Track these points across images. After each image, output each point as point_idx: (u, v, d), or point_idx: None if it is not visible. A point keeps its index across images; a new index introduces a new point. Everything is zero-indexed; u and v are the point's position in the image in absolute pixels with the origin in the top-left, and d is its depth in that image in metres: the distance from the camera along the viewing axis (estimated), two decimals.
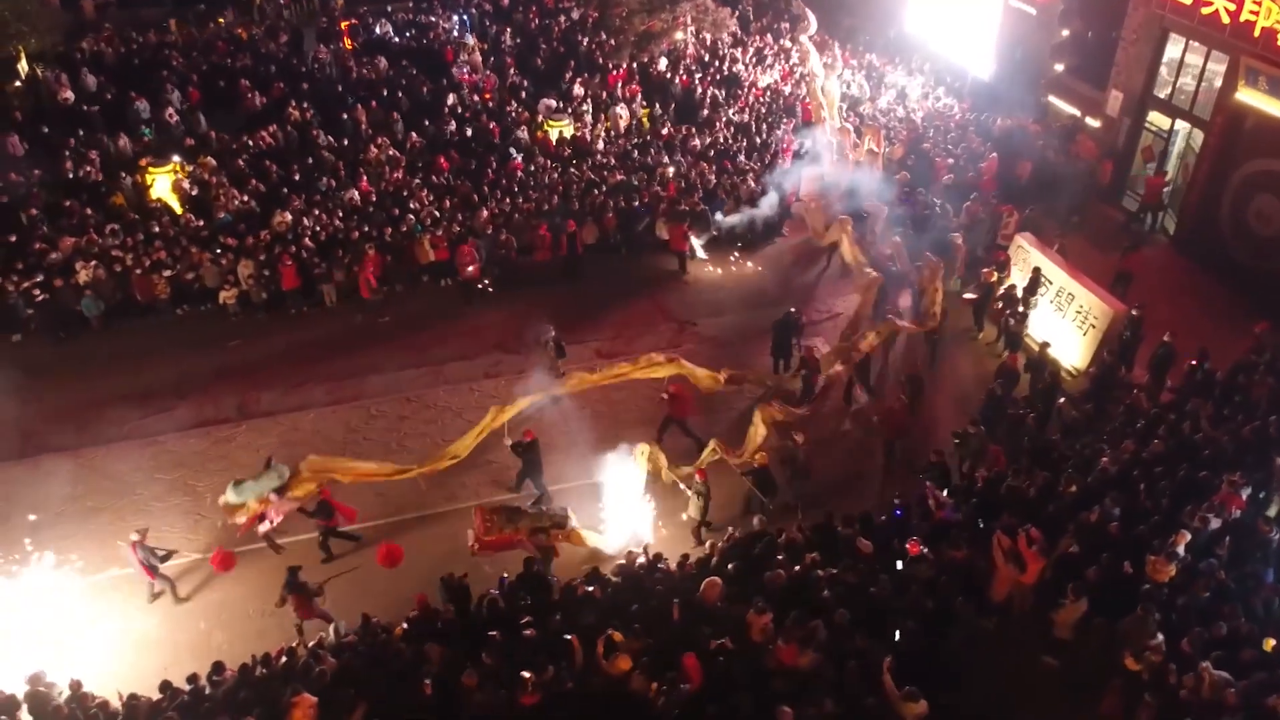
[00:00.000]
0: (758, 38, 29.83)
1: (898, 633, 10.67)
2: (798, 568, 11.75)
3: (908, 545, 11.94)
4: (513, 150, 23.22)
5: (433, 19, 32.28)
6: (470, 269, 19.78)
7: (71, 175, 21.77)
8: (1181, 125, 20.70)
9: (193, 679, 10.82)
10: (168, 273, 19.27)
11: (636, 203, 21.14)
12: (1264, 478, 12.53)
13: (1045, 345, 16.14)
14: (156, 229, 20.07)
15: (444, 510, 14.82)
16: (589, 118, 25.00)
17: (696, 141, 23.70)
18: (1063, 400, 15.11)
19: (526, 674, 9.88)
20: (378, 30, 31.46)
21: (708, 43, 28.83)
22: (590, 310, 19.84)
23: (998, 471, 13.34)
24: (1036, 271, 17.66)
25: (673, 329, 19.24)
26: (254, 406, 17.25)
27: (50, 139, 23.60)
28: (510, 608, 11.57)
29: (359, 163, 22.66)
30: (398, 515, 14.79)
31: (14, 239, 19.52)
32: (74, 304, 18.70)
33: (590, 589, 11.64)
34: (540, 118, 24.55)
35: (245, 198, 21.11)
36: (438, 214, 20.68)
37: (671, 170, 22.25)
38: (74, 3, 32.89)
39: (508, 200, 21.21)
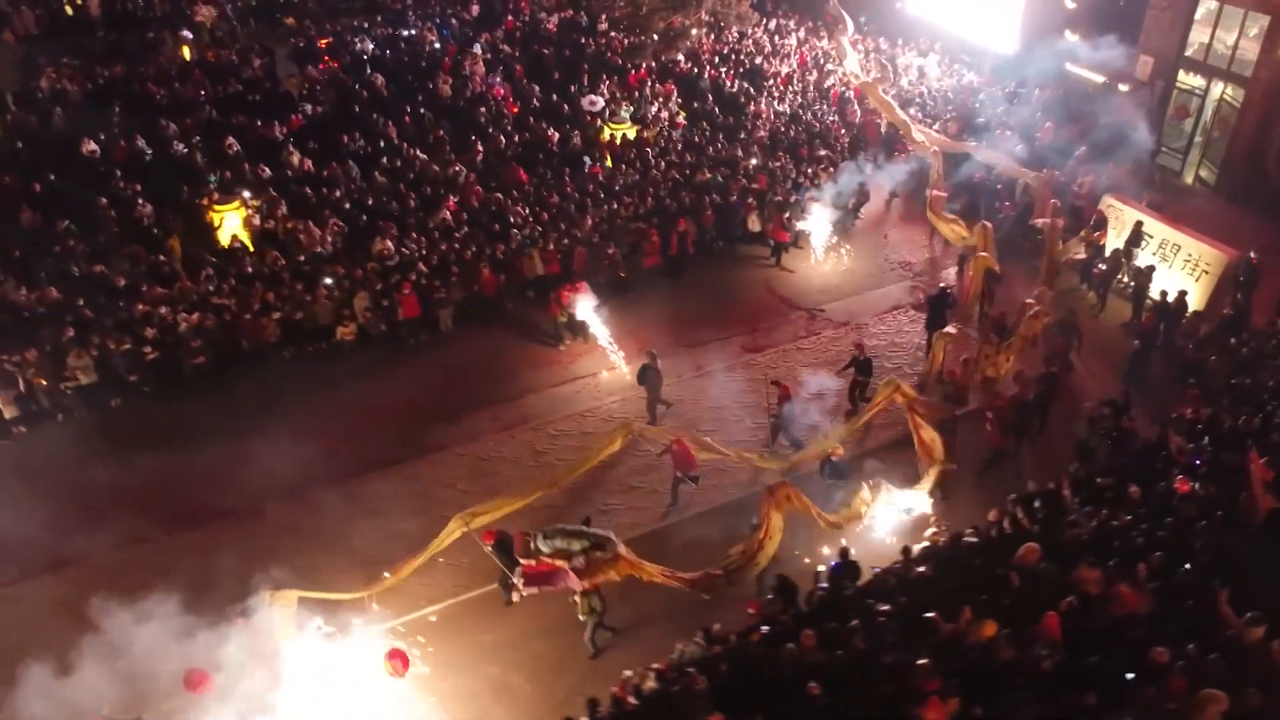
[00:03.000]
0: (766, 35, 30.24)
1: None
2: (1094, 523, 12.41)
3: (1176, 484, 12.78)
4: (586, 158, 22.90)
5: (410, 32, 31.28)
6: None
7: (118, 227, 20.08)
8: (1216, 83, 22.38)
9: None
10: (276, 314, 18.22)
11: (734, 198, 21.29)
12: None
13: (1182, 293, 17.32)
14: (250, 269, 18.91)
15: None
16: (627, 116, 24.83)
17: (763, 134, 24.00)
18: (1233, 340, 16.32)
19: (923, 661, 10.09)
20: (358, 46, 30.26)
21: (726, 36, 29.08)
22: (711, 309, 19.91)
23: (1212, 411, 14.37)
24: (1138, 226, 18.90)
25: (804, 317, 19.57)
26: (422, 441, 16.59)
27: (69, 191, 21.62)
28: (839, 597, 11.74)
29: (430, 180, 21.82)
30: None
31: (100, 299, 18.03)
32: (188, 357, 17.42)
33: (921, 569, 11.93)
34: (598, 122, 24.23)
35: (337, 223, 20.12)
36: (540, 227, 20.29)
37: (754, 163, 22.49)
38: None
39: (604, 207, 20.98)
